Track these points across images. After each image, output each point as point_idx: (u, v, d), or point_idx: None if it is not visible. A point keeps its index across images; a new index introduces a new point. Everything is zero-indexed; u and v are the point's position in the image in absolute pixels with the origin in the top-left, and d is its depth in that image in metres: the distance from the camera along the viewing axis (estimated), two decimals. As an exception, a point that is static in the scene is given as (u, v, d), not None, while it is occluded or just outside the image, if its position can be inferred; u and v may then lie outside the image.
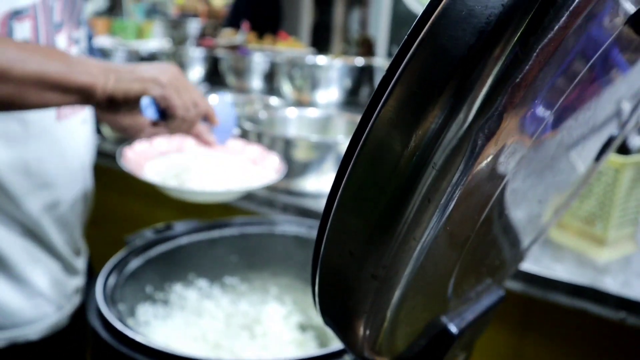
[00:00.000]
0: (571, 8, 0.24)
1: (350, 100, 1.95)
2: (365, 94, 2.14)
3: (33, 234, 0.86)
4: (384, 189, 0.27)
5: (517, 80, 0.25)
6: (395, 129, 0.26)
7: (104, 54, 2.37)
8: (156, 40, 4.04)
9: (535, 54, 0.24)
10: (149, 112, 0.78)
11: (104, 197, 1.16)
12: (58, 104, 0.72)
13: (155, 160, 1.05)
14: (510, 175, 0.31)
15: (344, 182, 0.27)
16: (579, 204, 1.02)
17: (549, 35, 0.24)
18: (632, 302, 0.87)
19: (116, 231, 1.17)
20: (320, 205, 1.17)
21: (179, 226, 0.94)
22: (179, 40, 2.86)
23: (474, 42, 0.24)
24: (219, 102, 0.94)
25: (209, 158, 1.04)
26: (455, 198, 0.27)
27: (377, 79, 1.82)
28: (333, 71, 1.85)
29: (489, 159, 0.27)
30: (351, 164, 0.27)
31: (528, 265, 0.94)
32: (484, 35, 0.24)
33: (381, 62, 1.91)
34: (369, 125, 0.27)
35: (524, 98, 0.26)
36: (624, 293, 0.88)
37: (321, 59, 2.14)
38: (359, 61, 2.00)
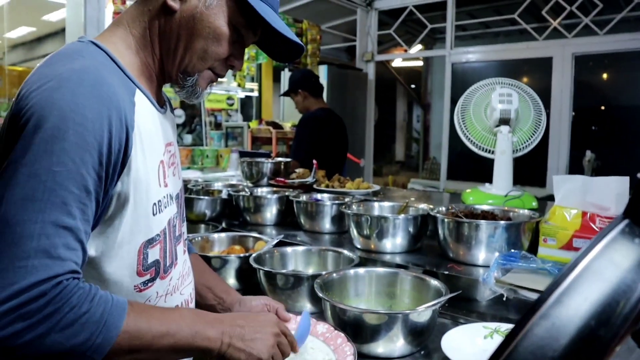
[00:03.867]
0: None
1: (415, 247, 2.07)
2: (427, 236, 2.25)
3: None
4: None
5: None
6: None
7: (188, 199, 2.64)
8: (233, 171, 4.40)
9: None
10: None
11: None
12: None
13: None
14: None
15: None
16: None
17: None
18: None
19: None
20: (389, 369, 1.28)
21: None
22: (254, 179, 3.13)
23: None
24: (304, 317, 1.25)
25: None
26: None
27: (439, 227, 1.94)
28: (398, 221, 2.00)
29: None
30: None
31: None
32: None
33: (442, 212, 2.04)
34: None
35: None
36: None
37: (386, 206, 2.31)
38: (423, 210, 2.15)
